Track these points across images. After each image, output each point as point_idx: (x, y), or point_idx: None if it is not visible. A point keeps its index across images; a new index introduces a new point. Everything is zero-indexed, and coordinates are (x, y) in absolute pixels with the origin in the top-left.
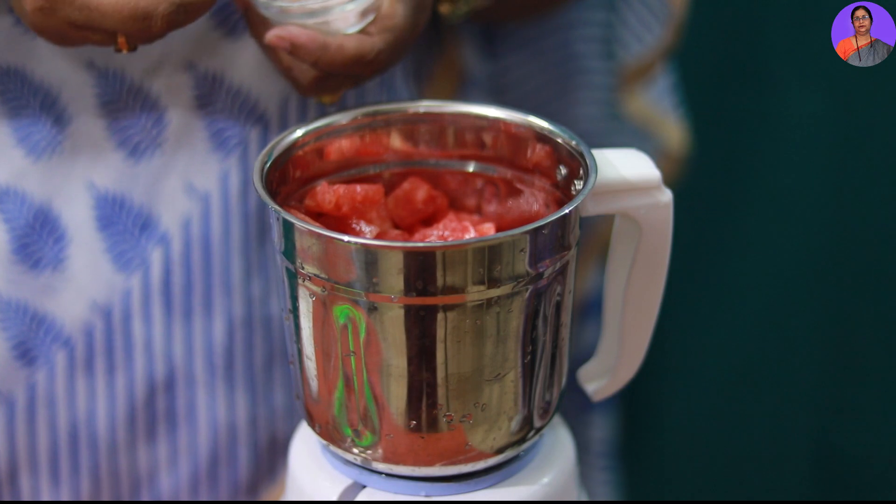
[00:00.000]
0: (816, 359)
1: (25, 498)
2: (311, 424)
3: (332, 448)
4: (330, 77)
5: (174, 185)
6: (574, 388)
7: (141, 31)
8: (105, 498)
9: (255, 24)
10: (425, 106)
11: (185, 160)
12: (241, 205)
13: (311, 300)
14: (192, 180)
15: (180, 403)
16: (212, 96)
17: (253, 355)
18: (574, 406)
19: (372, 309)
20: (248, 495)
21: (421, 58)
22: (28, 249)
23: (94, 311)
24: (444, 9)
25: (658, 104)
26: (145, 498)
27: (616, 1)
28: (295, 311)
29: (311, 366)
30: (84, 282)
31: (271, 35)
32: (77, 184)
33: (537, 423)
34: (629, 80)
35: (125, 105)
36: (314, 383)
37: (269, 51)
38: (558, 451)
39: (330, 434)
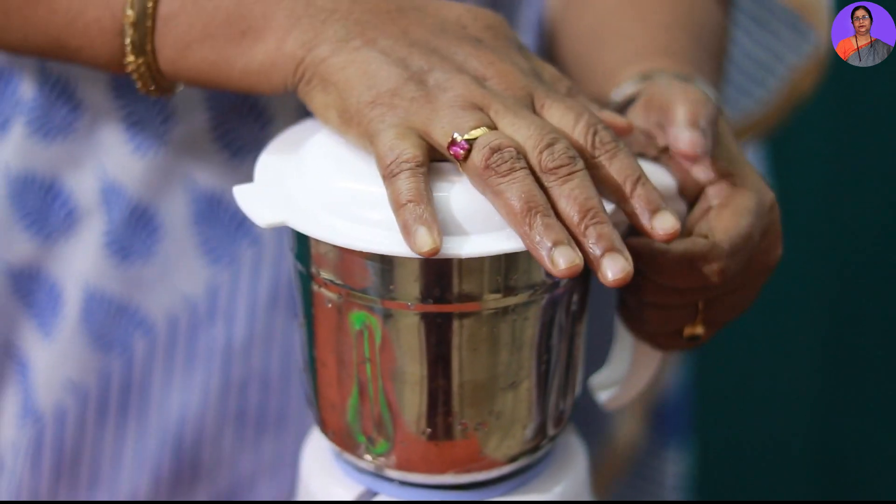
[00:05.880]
0: (815, 358)
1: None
2: (324, 431)
3: (345, 455)
4: None
5: None
6: None
7: None
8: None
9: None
10: None
11: None
12: None
13: (326, 306)
14: None
15: (252, 404)
16: None
17: None
18: None
19: (387, 316)
20: None
21: None
22: (122, 243)
23: (181, 303)
24: None
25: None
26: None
27: None
28: (309, 316)
29: (324, 372)
30: (173, 274)
31: None
32: (178, 181)
33: (551, 431)
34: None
35: (233, 108)
36: (328, 390)
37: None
38: (571, 460)
39: (343, 441)
